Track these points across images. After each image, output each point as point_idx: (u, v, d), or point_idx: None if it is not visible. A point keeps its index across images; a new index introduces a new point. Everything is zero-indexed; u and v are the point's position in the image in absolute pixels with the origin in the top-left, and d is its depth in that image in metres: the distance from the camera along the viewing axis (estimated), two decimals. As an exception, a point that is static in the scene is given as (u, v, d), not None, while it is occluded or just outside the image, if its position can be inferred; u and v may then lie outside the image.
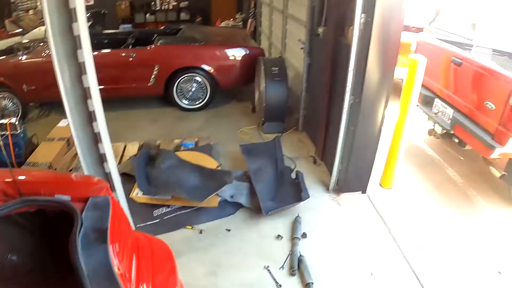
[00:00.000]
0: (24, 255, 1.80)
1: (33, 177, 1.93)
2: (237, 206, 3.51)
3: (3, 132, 4.27)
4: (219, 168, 4.03)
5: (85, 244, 1.50)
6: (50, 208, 1.65)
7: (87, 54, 2.19)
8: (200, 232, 3.26)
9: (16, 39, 7.71)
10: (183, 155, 4.15)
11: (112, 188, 2.60)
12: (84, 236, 1.52)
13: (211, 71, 5.61)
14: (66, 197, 1.66)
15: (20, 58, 5.76)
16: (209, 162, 4.07)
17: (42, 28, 7.09)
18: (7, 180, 1.73)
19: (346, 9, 3.35)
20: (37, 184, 1.76)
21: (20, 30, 8.84)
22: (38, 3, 9.46)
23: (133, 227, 2.75)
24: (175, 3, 11.96)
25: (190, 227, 3.32)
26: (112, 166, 2.55)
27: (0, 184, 1.70)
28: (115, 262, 1.51)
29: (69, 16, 2.13)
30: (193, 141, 4.67)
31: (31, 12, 9.94)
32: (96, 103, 2.29)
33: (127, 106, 6.02)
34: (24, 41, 7.07)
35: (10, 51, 6.47)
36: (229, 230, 3.27)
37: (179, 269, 1.91)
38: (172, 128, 5.31)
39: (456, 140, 3.96)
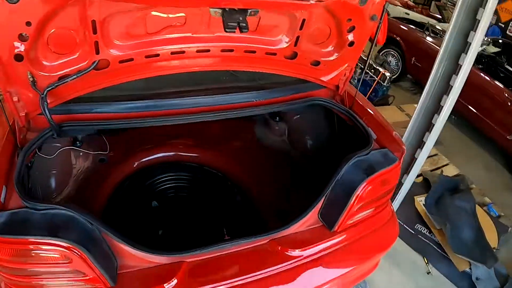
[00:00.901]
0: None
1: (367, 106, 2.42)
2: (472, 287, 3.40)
3: (373, 76, 5.20)
4: (495, 248, 3.80)
5: (354, 165, 1.91)
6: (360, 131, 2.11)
7: (468, 60, 2.38)
8: (428, 272, 3.41)
9: (431, 21, 8.21)
10: (479, 211, 4.11)
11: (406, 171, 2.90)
12: (359, 161, 1.92)
13: None
14: (373, 134, 2.09)
15: (425, 36, 6.59)
16: (492, 236, 3.91)
17: None
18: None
19: None
20: (367, 114, 2.24)
21: (439, 16, 9.40)
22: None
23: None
24: None
25: (426, 261, 3.53)
26: (422, 156, 2.80)
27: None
28: (359, 193, 1.86)
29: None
30: (498, 211, 4.46)
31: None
32: (450, 101, 2.53)
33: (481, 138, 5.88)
34: (437, 26, 7.50)
35: (420, 25, 7.28)
36: (445, 295, 3.33)
37: (380, 267, 2.18)
38: (496, 188, 5.02)
39: None
